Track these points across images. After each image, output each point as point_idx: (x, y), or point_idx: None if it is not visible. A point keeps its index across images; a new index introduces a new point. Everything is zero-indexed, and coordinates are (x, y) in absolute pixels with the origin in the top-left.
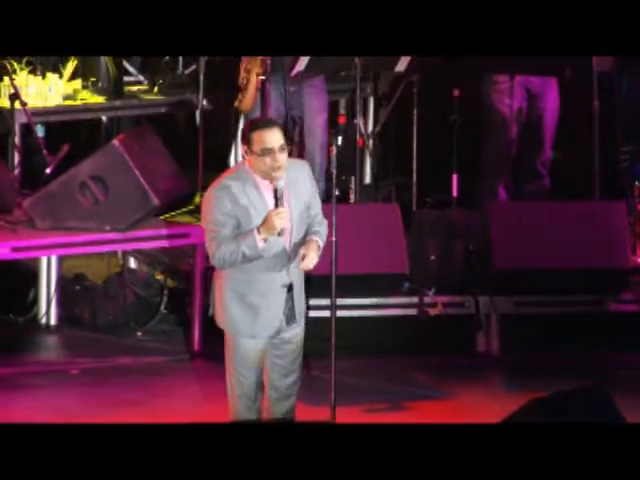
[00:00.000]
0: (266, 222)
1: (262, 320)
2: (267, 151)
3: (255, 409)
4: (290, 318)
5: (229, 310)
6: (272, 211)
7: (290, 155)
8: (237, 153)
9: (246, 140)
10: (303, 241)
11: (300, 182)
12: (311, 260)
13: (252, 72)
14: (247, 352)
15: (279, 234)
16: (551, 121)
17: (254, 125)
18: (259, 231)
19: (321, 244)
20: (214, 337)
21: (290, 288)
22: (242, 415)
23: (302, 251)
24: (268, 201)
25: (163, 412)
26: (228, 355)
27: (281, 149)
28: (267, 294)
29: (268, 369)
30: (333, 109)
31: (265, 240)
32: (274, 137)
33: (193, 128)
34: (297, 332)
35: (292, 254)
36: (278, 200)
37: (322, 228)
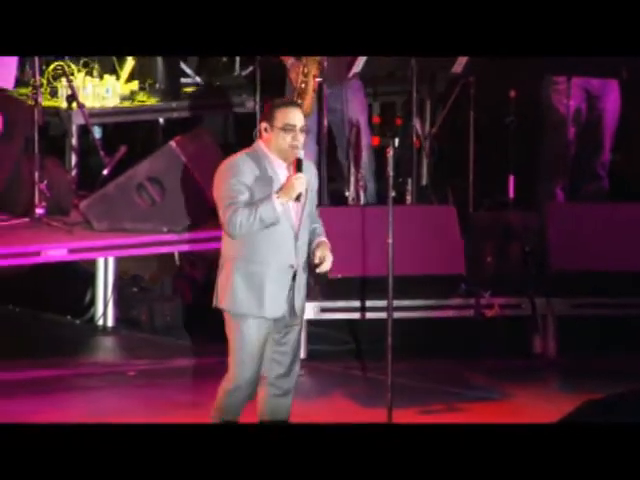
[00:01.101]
0: (286, 185)
1: (269, 300)
2: (290, 127)
3: (243, 404)
4: (291, 310)
5: (236, 291)
6: (292, 175)
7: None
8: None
9: (269, 116)
10: (308, 233)
11: (313, 179)
12: (330, 262)
13: (309, 75)
14: (252, 336)
15: (297, 199)
16: (611, 122)
17: (279, 102)
18: (278, 195)
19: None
20: None
21: (294, 277)
22: (231, 407)
23: (318, 253)
24: (281, 177)
25: None
26: (230, 345)
27: (302, 129)
28: (275, 275)
29: (267, 367)
30: (390, 110)
31: (283, 204)
32: (298, 116)
33: (249, 130)
34: (296, 329)
35: (299, 237)
36: (299, 168)
37: (319, 225)
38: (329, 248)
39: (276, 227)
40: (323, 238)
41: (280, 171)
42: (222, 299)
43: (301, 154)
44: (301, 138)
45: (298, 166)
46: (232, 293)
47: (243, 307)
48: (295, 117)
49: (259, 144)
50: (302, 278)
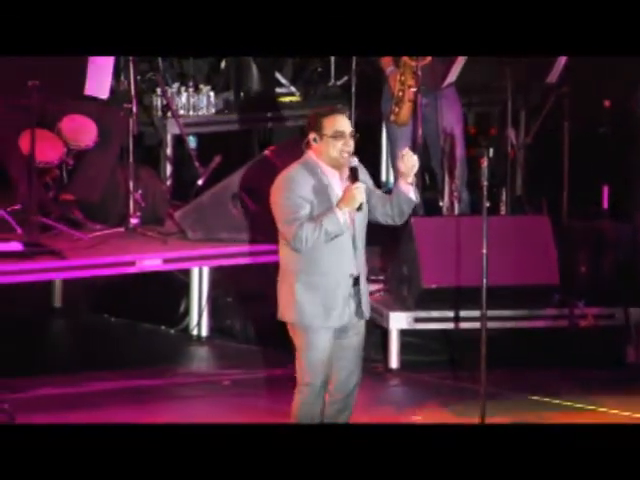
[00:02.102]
0: (345, 196)
1: (333, 311)
2: (340, 134)
3: (319, 412)
4: (359, 311)
5: (301, 303)
6: (350, 185)
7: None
8: (388, 166)
9: (316, 126)
10: (363, 244)
11: (366, 183)
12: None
13: (405, 84)
14: (318, 347)
15: (359, 208)
16: None
17: (325, 111)
18: (339, 206)
19: None
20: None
21: (357, 281)
22: (309, 418)
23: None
24: (335, 187)
25: None
26: (299, 356)
27: (351, 135)
28: (336, 285)
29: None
30: (485, 120)
31: (345, 215)
32: (346, 122)
33: None
34: (361, 330)
35: (357, 245)
36: (355, 176)
37: None
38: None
39: (335, 238)
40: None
41: (334, 180)
42: (287, 312)
43: (354, 161)
44: (351, 144)
45: (354, 175)
46: (297, 305)
47: (309, 318)
48: (343, 123)
49: (310, 155)
50: (363, 284)
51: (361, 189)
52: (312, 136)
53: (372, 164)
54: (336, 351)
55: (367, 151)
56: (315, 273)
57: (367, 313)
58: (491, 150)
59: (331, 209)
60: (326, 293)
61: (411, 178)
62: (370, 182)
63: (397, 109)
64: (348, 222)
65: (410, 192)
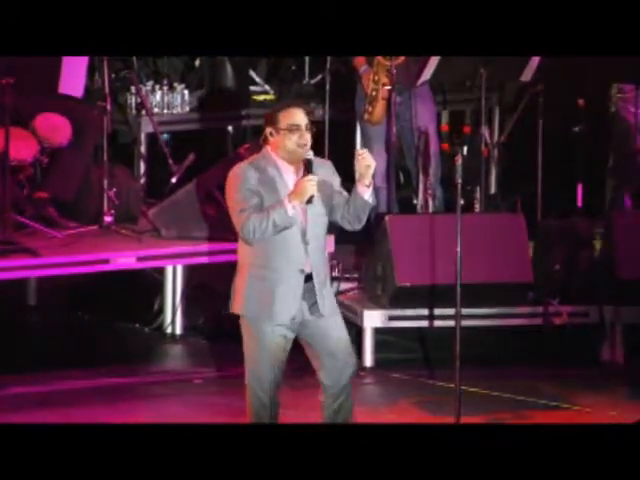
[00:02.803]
0: (297, 188)
1: (279, 304)
2: (294, 127)
3: (270, 409)
4: (313, 310)
5: (248, 295)
6: (303, 177)
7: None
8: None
9: (272, 121)
10: (323, 233)
11: (324, 178)
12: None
13: (379, 83)
14: (265, 340)
15: (308, 201)
16: None
17: (281, 105)
18: (289, 199)
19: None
20: None
21: (309, 277)
22: (257, 414)
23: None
24: (288, 182)
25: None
26: (245, 350)
27: (307, 128)
28: (284, 279)
29: (319, 365)
30: (458, 119)
31: (294, 207)
32: (301, 115)
33: (317, 138)
34: (331, 324)
35: (308, 240)
36: (309, 169)
37: None
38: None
39: (284, 232)
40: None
41: (287, 175)
42: (235, 304)
43: (310, 154)
44: (307, 137)
45: (308, 167)
46: (245, 297)
47: (255, 310)
48: (299, 117)
49: (266, 149)
50: (323, 275)
51: (313, 182)
52: (268, 130)
53: (346, 163)
54: (306, 346)
55: (341, 150)
56: (265, 267)
57: (326, 310)
58: (465, 148)
59: (280, 201)
60: (274, 288)
61: (368, 180)
62: (337, 181)
63: (371, 108)
64: (300, 216)
65: (366, 194)
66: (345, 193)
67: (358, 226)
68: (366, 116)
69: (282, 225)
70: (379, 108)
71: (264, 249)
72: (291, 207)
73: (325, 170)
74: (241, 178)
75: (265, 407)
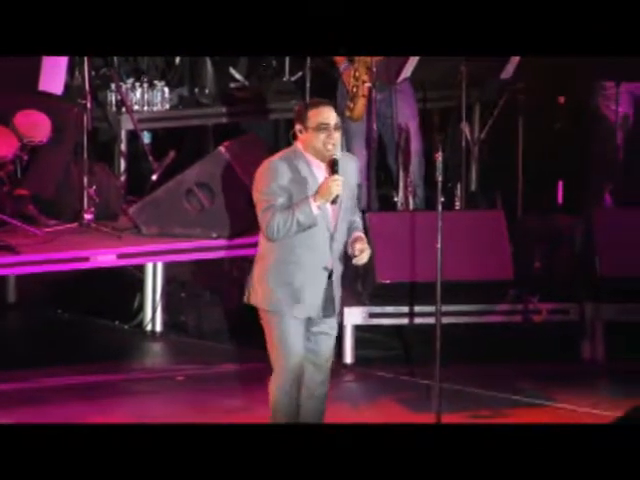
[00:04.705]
0: (322, 188)
1: (305, 300)
2: (323, 126)
3: (291, 395)
4: (327, 308)
5: (272, 290)
6: (328, 177)
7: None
8: None
9: (301, 118)
10: (346, 230)
11: (350, 174)
12: (368, 254)
13: (360, 80)
14: (289, 332)
15: (334, 201)
16: None
17: (311, 103)
18: (314, 198)
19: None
20: None
21: (330, 275)
22: (288, 406)
23: (358, 246)
24: (319, 179)
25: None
26: (270, 342)
27: (336, 127)
28: (310, 275)
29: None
30: (439, 115)
31: (319, 207)
32: (331, 114)
33: None
34: (333, 326)
35: (335, 238)
36: (335, 169)
37: (359, 219)
38: (365, 242)
39: (312, 229)
40: (360, 233)
41: (318, 172)
42: (256, 296)
43: (337, 154)
44: (336, 136)
45: (334, 167)
46: (269, 292)
47: (280, 306)
48: (329, 116)
49: (297, 145)
50: (338, 275)
51: (338, 182)
52: (298, 127)
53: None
54: (306, 341)
55: None
56: (289, 262)
57: (337, 311)
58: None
59: (305, 200)
60: (300, 284)
61: (362, 261)
62: (355, 188)
63: (352, 104)
64: (330, 215)
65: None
66: (356, 200)
67: None
68: (347, 113)
69: (306, 224)
70: (360, 105)
71: (290, 244)
72: (316, 207)
73: (352, 167)
74: (273, 173)
75: (292, 394)
